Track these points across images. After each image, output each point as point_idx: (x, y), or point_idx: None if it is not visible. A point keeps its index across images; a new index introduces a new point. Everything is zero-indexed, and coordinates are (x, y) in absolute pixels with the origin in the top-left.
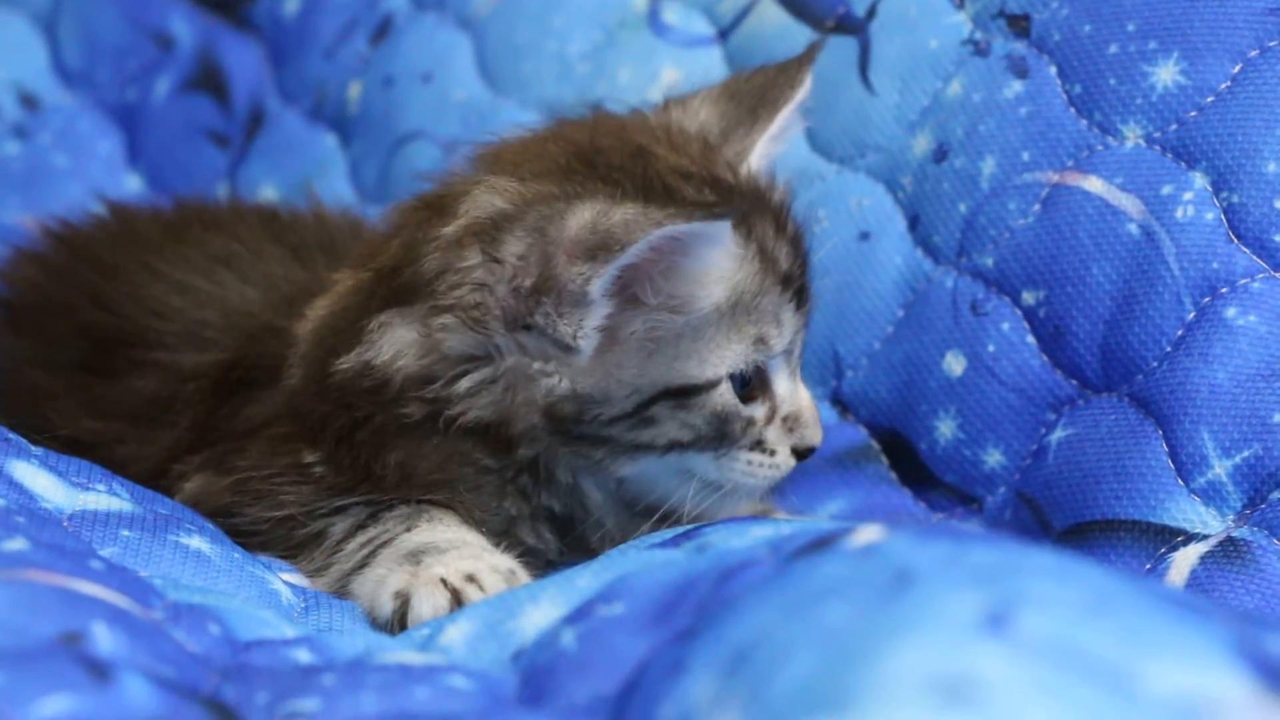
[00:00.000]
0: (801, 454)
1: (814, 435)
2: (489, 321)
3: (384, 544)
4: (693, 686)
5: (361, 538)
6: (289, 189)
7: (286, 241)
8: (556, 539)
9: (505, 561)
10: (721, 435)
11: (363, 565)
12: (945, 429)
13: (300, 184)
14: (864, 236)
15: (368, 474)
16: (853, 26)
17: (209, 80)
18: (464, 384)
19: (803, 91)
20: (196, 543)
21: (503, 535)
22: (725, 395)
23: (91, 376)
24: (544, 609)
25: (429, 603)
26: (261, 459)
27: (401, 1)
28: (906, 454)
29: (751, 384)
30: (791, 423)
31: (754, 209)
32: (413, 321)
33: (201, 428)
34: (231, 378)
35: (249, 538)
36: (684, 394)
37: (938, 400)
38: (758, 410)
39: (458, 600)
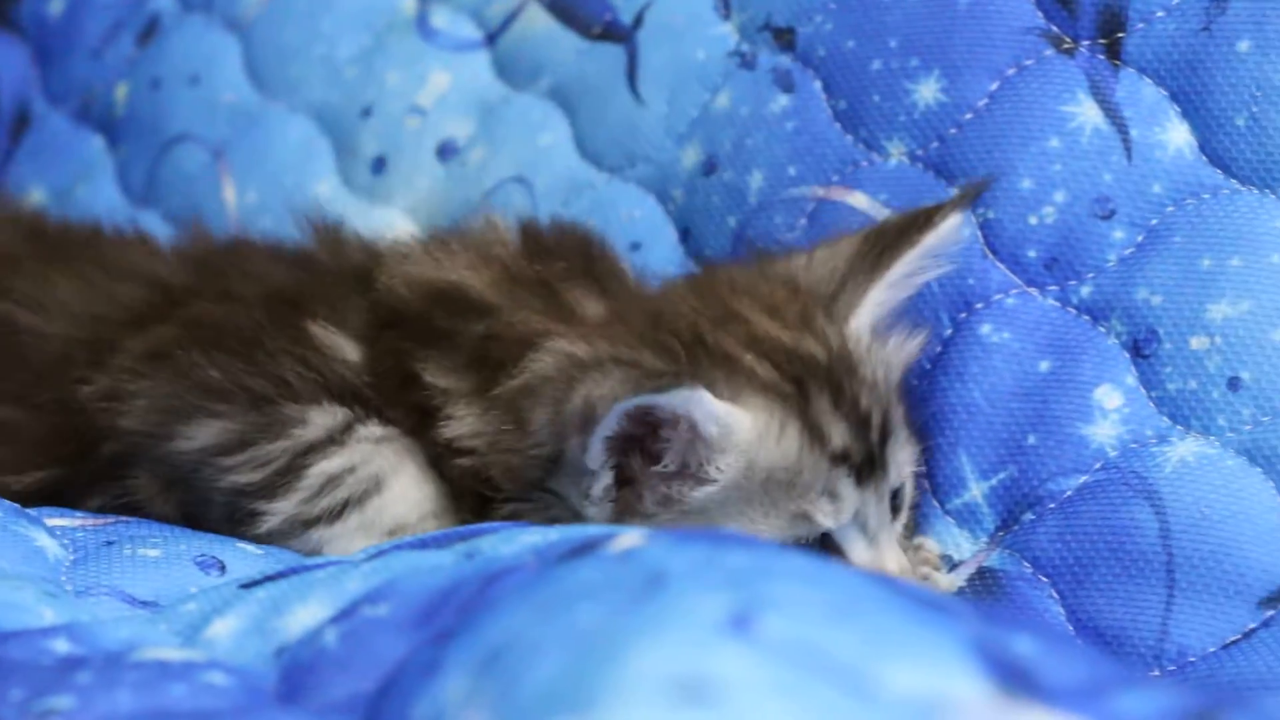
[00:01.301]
0: None
1: None
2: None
3: (357, 502)
4: (446, 685)
5: (329, 465)
6: (56, 192)
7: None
8: None
9: None
10: None
11: (331, 519)
12: None
13: (67, 186)
14: (635, 247)
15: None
16: (620, 34)
17: None
18: None
19: (933, 236)
20: None
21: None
22: None
23: None
24: (312, 608)
25: None
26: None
27: (168, 2)
28: None
29: (814, 549)
30: None
31: (808, 378)
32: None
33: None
34: None
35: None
36: None
37: None
38: None
39: None
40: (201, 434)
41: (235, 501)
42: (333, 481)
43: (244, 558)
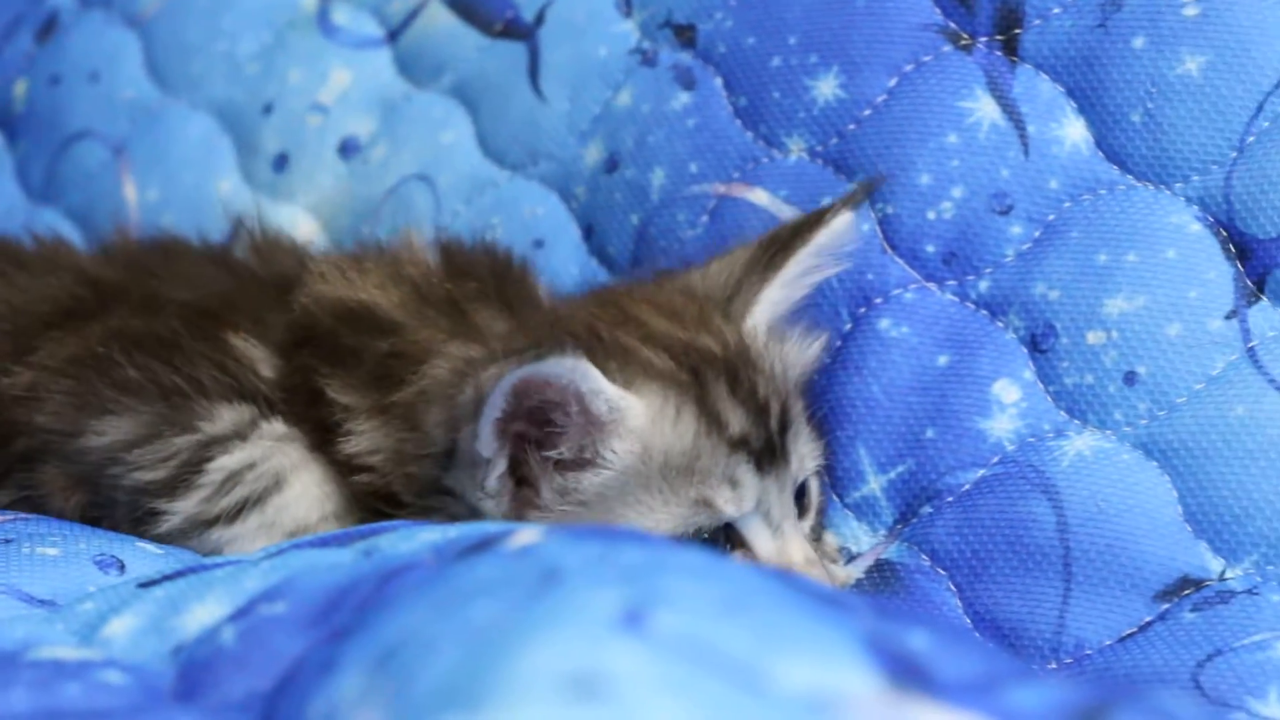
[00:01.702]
0: None
1: None
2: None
3: (257, 502)
4: (342, 683)
5: (229, 460)
6: None
7: None
8: None
9: None
10: None
11: (230, 519)
12: None
13: None
14: (538, 244)
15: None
16: (521, 32)
17: None
18: None
19: (825, 234)
20: None
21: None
22: None
23: None
24: (210, 607)
25: None
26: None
27: None
28: None
29: (720, 543)
30: None
31: (704, 367)
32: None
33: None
34: None
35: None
36: None
37: None
38: None
39: None
40: (111, 429)
41: (138, 500)
42: (233, 478)
43: (143, 557)
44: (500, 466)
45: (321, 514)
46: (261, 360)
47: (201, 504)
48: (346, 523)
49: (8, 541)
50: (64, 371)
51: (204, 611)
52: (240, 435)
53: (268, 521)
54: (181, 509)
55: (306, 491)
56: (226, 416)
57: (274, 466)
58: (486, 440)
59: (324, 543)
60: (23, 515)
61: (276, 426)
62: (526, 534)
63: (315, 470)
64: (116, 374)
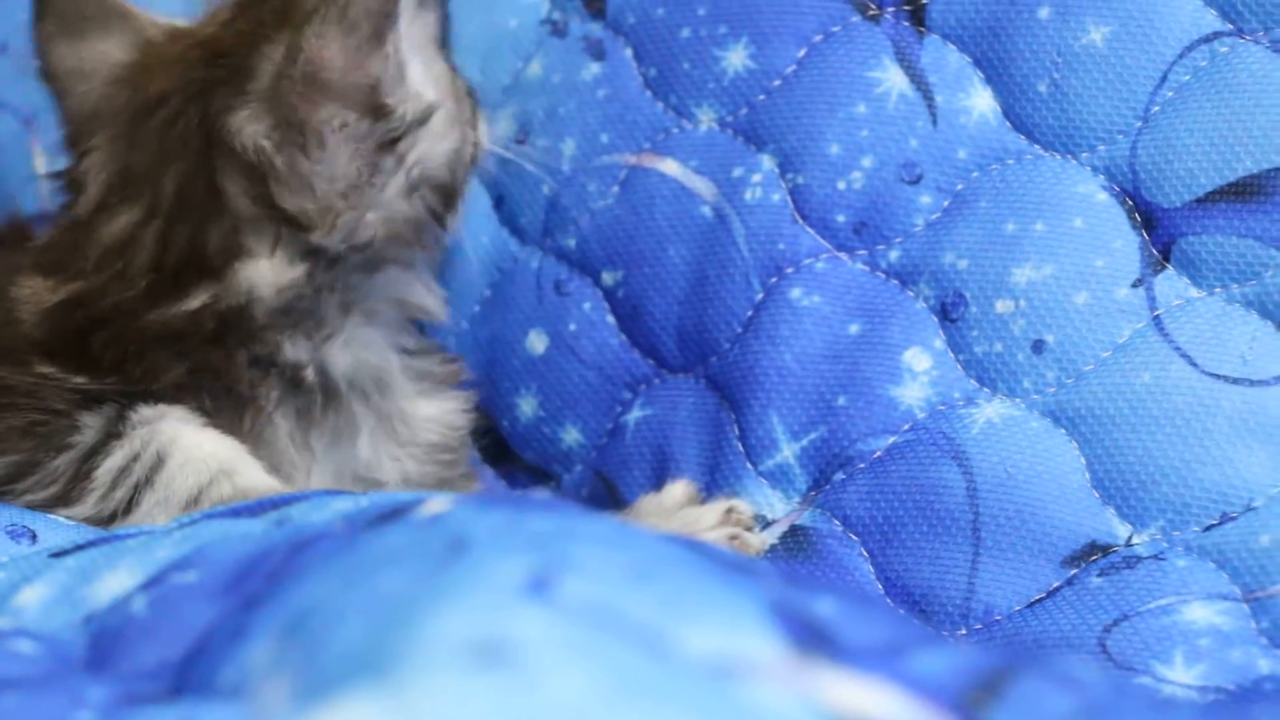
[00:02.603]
0: None
1: None
2: None
3: (147, 484)
4: (252, 651)
5: (113, 461)
6: None
7: None
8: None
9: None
10: None
11: (128, 510)
12: (526, 407)
13: None
14: None
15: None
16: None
17: None
18: None
19: None
20: None
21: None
22: None
23: None
24: (121, 576)
25: None
26: None
27: None
28: (490, 432)
29: None
30: None
31: None
32: None
33: None
34: None
35: None
36: None
37: (520, 378)
38: None
39: None
40: None
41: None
42: (121, 473)
43: (55, 527)
44: None
45: (210, 474)
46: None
47: (98, 504)
48: (244, 475)
49: None
50: None
51: (115, 581)
52: (114, 434)
53: (160, 498)
54: (80, 513)
55: (189, 458)
56: (91, 423)
57: (154, 448)
58: None
59: (236, 513)
60: None
61: (145, 411)
62: (436, 503)
63: (190, 435)
64: None
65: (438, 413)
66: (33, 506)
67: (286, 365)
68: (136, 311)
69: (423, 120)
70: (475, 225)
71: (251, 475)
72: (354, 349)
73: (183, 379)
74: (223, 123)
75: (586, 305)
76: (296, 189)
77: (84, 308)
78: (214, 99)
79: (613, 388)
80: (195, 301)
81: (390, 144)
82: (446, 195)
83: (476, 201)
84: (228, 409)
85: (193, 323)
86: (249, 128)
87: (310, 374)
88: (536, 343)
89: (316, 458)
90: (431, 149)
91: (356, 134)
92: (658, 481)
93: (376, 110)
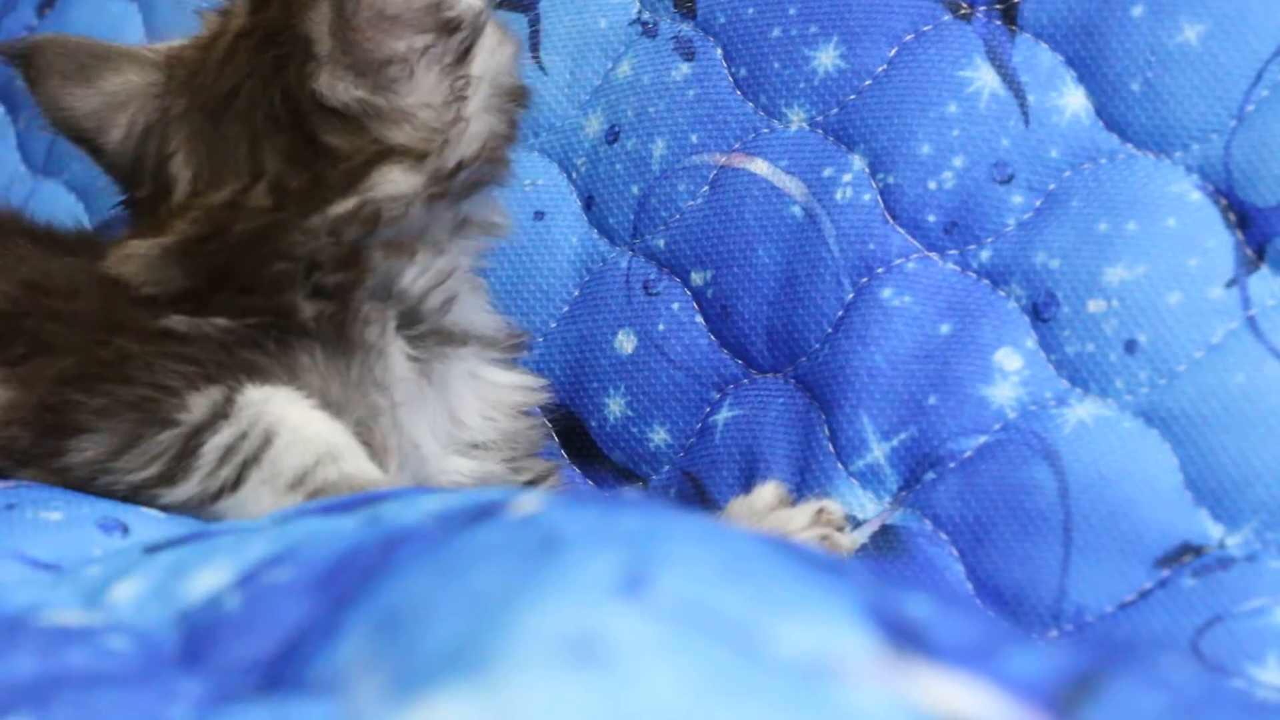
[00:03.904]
0: None
1: None
2: None
3: (254, 461)
4: (344, 648)
5: (220, 439)
6: None
7: None
8: None
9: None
10: None
11: (234, 487)
12: (614, 407)
13: None
14: (539, 216)
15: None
16: (522, 3)
17: None
18: None
19: None
20: None
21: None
22: None
23: None
24: (214, 572)
25: None
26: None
27: None
28: (578, 432)
29: None
30: None
31: None
32: None
33: None
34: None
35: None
36: None
37: (609, 378)
38: None
39: None
40: (92, 445)
41: (137, 495)
42: (229, 451)
43: (147, 521)
44: None
45: (316, 456)
46: (204, 323)
47: (203, 482)
48: (348, 461)
49: (10, 507)
50: (23, 421)
51: (209, 577)
52: (222, 415)
53: (267, 476)
54: (183, 492)
55: (296, 437)
56: (199, 403)
57: (262, 426)
58: None
59: (327, 510)
60: (24, 482)
61: (252, 394)
62: (527, 502)
63: (298, 415)
64: (80, 410)
65: (518, 380)
66: (134, 487)
67: (402, 294)
68: (269, 233)
69: (481, 28)
70: (565, 226)
71: (356, 462)
72: (459, 303)
73: (309, 317)
74: (308, 92)
75: (675, 305)
76: (400, 122)
77: (212, 240)
78: (287, 76)
79: (701, 388)
80: (338, 208)
81: (464, 55)
82: (519, 99)
83: (566, 202)
84: (336, 359)
85: (328, 237)
86: (338, 85)
87: (420, 305)
88: (625, 343)
89: (417, 403)
90: (494, 55)
91: (437, 54)
92: (746, 482)
93: (445, 26)
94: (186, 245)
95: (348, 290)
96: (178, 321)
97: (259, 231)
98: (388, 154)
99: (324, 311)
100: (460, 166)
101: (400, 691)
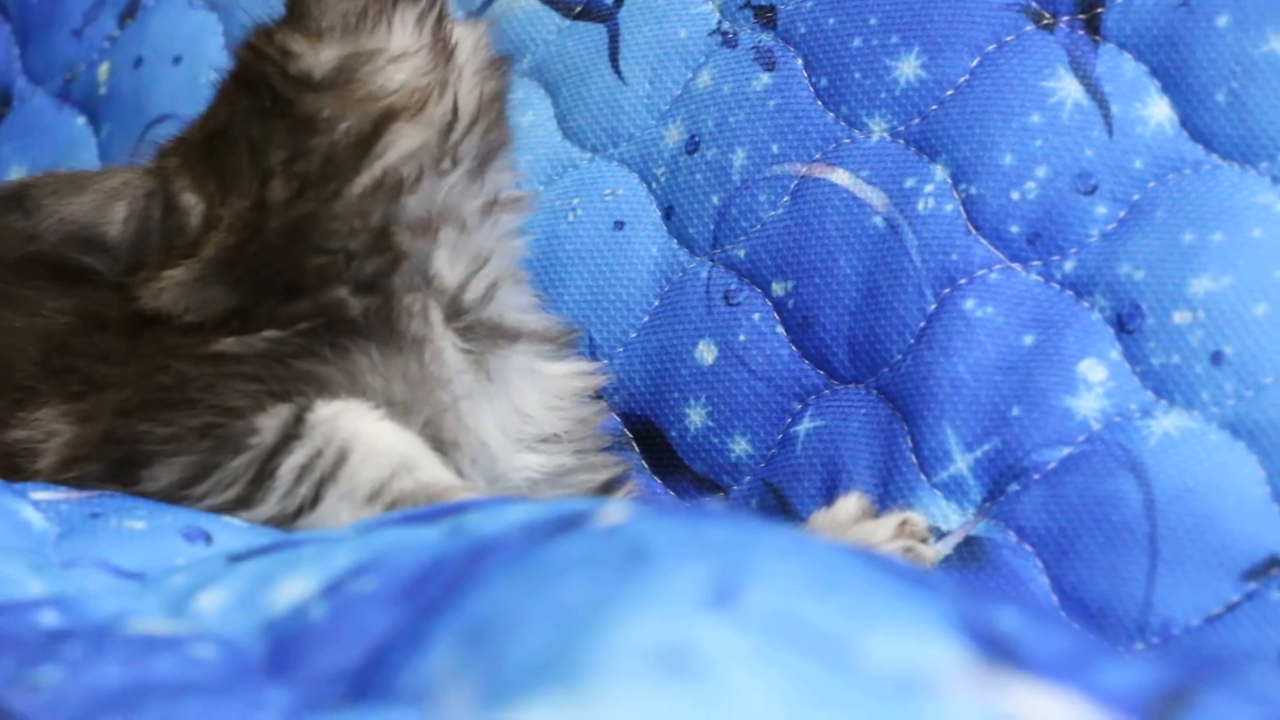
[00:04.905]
0: None
1: None
2: None
3: (330, 479)
4: (431, 658)
5: (295, 459)
6: (38, 172)
7: None
8: None
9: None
10: None
11: (312, 505)
12: (695, 417)
13: (50, 166)
14: (618, 226)
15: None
16: (601, 14)
17: None
18: None
19: None
20: None
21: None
22: None
23: None
24: (299, 582)
25: None
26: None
27: None
28: (658, 442)
29: None
30: None
31: None
32: None
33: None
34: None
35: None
36: None
37: (689, 388)
38: None
39: None
40: (164, 473)
41: (217, 515)
42: (305, 470)
43: (230, 530)
44: None
45: (391, 468)
46: (254, 340)
47: (280, 502)
48: (422, 471)
49: (95, 516)
50: (91, 457)
51: (294, 587)
52: (294, 435)
53: (344, 492)
54: (262, 514)
55: (371, 452)
56: (269, 425)
57: (337, 443)
58: None
59: (410, 520)
60: (107, 491)
61: (321, 411)
62: (613, 513)
63: (370, 429)
64: (148, 440)
65: (574, 368)
66: (211, 511)
67: (440, 282)
68: (303, 227)
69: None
70: (644, 236)
71: (431, 470)
72: (501, 294)
73: (357, 313)
74: (292, 79)
75: (756, 316)
76: (386, 66)
77: (249, 243)
78: (271, 80)
79: (782, 398)
80: (359, 184)
81: (439, 18)
82: (502, 65)
83: (645, 212)
84: (394, 358)
85: (357, 220)
86: (321, 52)
87: (461, 294)
88: (706, 353)
89: (479, 398)
90: (468, 30)
91: (409, 3)
92: (828, 493)
93: None
94: (225, 255)
95: (385, 277)
96: (228, 344)
97: (293, 226)
98: (390, 115)
99: (370, 306)
100: (460, 118)
101: (491, 702)
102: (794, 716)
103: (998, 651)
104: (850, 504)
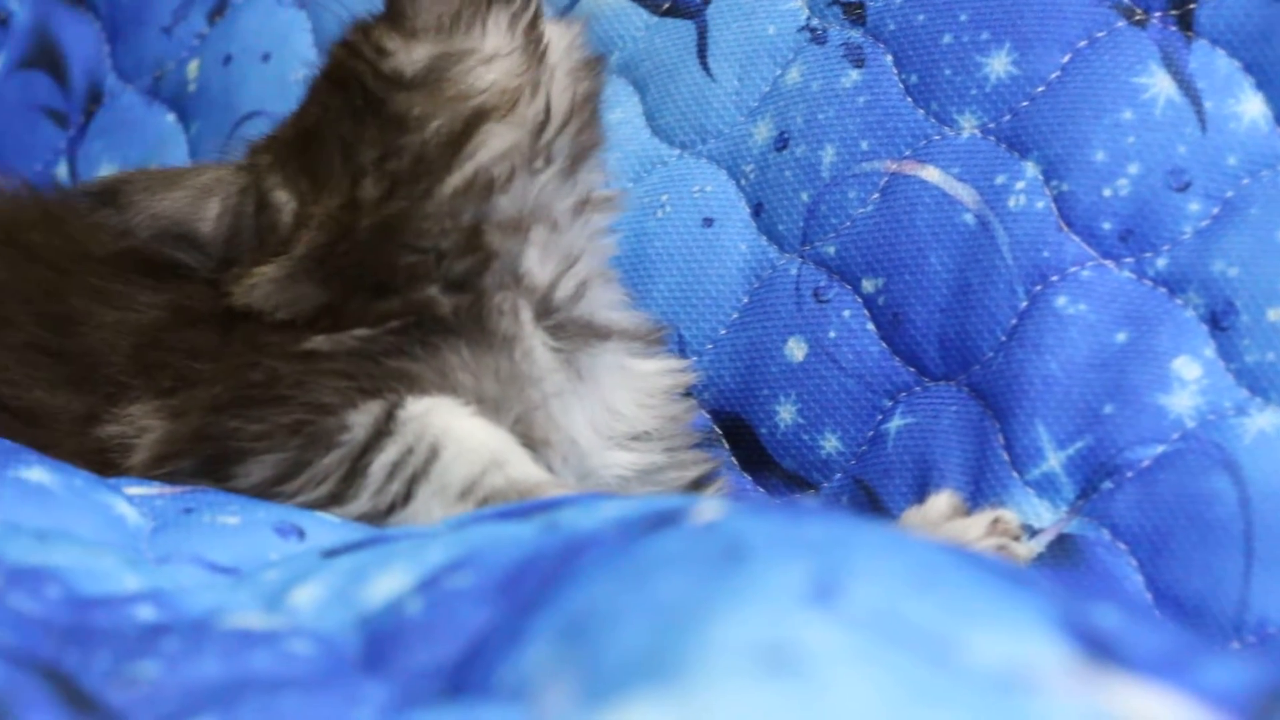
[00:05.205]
0: None
1: None
2: None
3: (422, 476)
4: (529, 653)
5: (387, 456)
6: (128, 167)
7: None
8: None
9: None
10: None
11: (405, 502)
12: (785, 414)
13: (140, 163)
14: (707, 223)
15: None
16: (690, 11)
17: (46, 57)
18: None
19: None
20: (37, 474)
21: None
22: None
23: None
24: (394, 577)
25: None
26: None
27: None
28: (748, 439)
29: None
30: None
31: None
32: None
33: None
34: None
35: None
36: None
37: (779, 385)
38: None
39: None
40: (256, 470)
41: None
42: (396, 467)
43: (323, 525)
44: None
45: (483, 465)
46: (345, 337)
47: (373, 499)
48: (513, 467)
49: (188, 511)
50: (183, 453)
51: (389, 582)
52: (385, 431)
53: (436, 489)
54: (354, 510)
55: (462, 449)
56: (360, 422)
57: (428, 440)
58: None
59: (504, 516)
60: (200, 486)
61: (412, 408)
62: (709, 509)
63: (461, 426)
64: (240, 437)
65: (664, 365)
66: (304, 507)
67: (531, 281)
68: (394, 226)
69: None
70: (733, 233)
71: (522, 467)
72: (591, 292)
73: (448, 311)
74: (384, 76)
75: (846, 313)
76: (478, 67)
77: (341, 241)
78: (364, 79)
79: (873, 395)
80: (450, 184)
81: (533, 20)
82: (596, 66)
83: (734, 209)
84: (484, 356)
85: (448, 219)
86: (415, 50)
87: (552, 293)
88: (796, 350)
89: (570, 396)
90: (562, 30)
91: (502, 5)
92: (919, 490)
93: None
94: (316, 254)
95: (476, 276)
96: (319, 341)
97: (384, 225)
98: (482, 115)
99: (460, 304)
100: (552, 118)
101: (592, 698)
102: (897, 714)
103: (1099, 649)
104: (942, 501)
